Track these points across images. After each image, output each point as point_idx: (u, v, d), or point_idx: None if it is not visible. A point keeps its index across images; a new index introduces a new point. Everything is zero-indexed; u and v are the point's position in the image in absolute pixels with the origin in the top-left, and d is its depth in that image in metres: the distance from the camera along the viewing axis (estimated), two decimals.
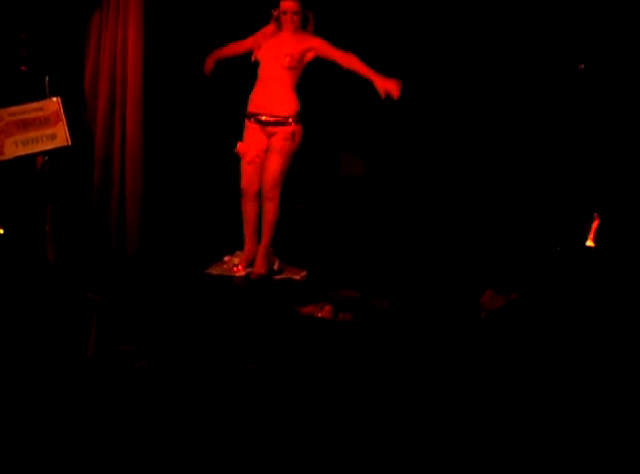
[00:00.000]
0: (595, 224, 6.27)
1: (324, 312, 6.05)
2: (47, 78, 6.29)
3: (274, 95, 6.57)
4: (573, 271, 6.11)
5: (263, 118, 6.62)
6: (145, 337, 5.48)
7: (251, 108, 6.66)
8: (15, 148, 6.05)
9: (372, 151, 7.42)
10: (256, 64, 6.68)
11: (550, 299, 5.79)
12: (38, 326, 5.22)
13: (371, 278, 6.68)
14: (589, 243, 6.27)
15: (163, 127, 7.39)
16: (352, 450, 4.22)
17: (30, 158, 6.24)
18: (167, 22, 7.22)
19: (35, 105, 6.10)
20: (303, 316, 6.04)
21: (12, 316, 5.28)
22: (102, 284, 6.05)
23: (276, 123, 6.60)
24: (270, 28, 6.66)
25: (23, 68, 6.42)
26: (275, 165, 6.63)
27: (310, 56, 6.57)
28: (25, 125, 6.05)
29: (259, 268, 6.76)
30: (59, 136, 6.11)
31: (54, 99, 6.12)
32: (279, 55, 6.53)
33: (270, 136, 6.63)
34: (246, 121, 6.71)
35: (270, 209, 6.68)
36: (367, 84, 6.49)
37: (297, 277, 6.77)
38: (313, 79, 6.73)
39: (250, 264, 6.78)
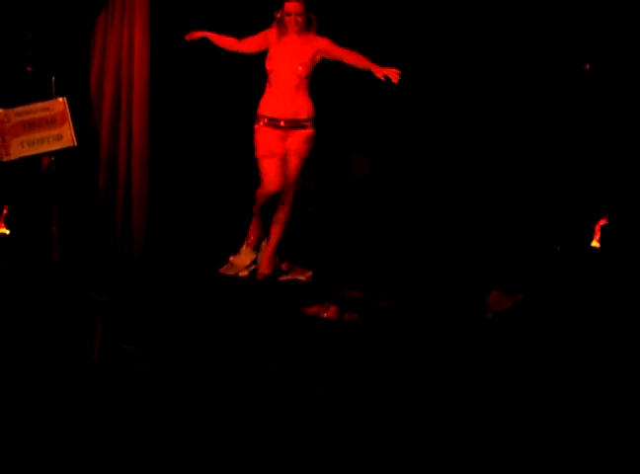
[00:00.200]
0: (600, 225, 6.26)
1: (330, 312, 6.04)
2: (53, 78, 6.30)
3: (290, 100, 6.57)
4: (578, 272, 6.09)
5: (281, 122, 6.60)
6: (150, 337, 5.48)
7: (266, 112, 6.62)
8: (21, 148, 6.06)
9: (378, 151, 7.41)
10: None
11: (556, 300, 5.78)
12: (43, 326, 5.23)
13: (377, 279, 6.67)
14: (594, 244, 6.25)
15: (169, 129, 7.40)
16: (357, 450, 4.21)
17: (36, 158, 6.25)
18: (172, 23, 7.22)
19: (40, 105, 6.11)
20: (309, 316, 6.04)
21: (17, 316, 5.29)
22: (107, 285, 6.06)
23: (293, 127, 6.61)
24: (272, 32, 6.63)
25: (29, 69, 6.43)
26: (294, 168, 6.64)
27: (319, 58, 6.58)
28: (31, 126, 6.07)
29: (265, 269, 6.77)
30: (65, 137, 6.12)
31: (60, 99, 6.13)
32: (292, 63, 6.51)
33: (285, 140, 6.63)
34: (259, 126, 6.65)
35: (283, 211, 6.69)
36: (370, 83, 6.48)
37: (303, 278, 6.77)
38: (317, 80, 6.73)
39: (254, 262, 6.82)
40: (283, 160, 6.63)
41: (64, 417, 4.41)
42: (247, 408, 4.59)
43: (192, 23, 7.31)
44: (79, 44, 6.97)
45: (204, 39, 6.78)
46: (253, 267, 6.87)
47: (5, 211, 6.28)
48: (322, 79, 6.73)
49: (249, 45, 6.69)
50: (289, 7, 6.51)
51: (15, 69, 6.40)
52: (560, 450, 4.24)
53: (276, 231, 6.75)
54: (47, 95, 6.23)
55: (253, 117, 6.91)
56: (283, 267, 6.88)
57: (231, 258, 6.93)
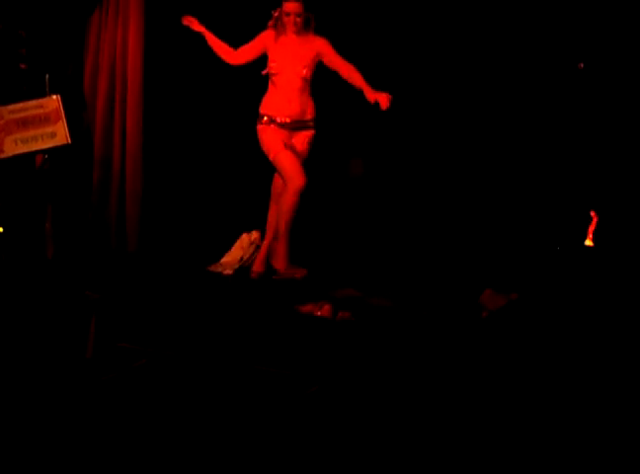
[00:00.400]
0: (594, 223, 6.27)
1: (323, 311, 6.05)
2: (47, 76, 6.29)
3: (295, 101, 6.56)
4: (572, 270, 6.10)
5: (287, 123, 6.58)
6: (144, 335, 5.48)
7: (270, 112, 6.59)
8: (15, 146, 6.05)
9: (373, 151, 7.41)
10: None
11: (551, 299, 5.79)
12: (36, 323, 5.22)
13: (371, 277, 6.68)
14: (588, 242, 6.27)
15: (162, 126, 7.40)
16: (351, 449, 4.22)
17: (29, 156, 6.24)
18: (167, 21, 7.22)
19: (34, 103, 6.10)
20: (303, 315, 6.04)
21: (11, 313, 5.28)
22: (101, 282, 6.06)
23: (298, 128, 6.61)
24: (269, 34, 6.61)
25: (22, 66, 6.42)
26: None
27: (318, 59, 6.58)
28: (24, 123, 6.06)
29: (258, 266, 6.78)
30: (59, 134, 6.11)
31: (54, 97, 6.12)
32: (295, 66, 6.51)
33: (289, 139, 6.61)
34: (263, 126, 6.62)
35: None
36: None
37: (297, 276, 6.77)
38: (316, 80, 6.73)
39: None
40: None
41: (58, 415, 4.41)
42: (241, 406, 4.59)
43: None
44: (73, 42, 6.97)
45: (199, 36, 6.77)
46: (238, 266, 6.89)
47: None
48: (320, 79, 6.73)
49: (245, 56, 6.67)
50: (289, 7, 6.49)
51: (9, 67, 6.39)
52: (557, 449, 4.24)
53: (272, 228, 6.75)
54: (41, 92, 6.22)
55: (247, 114, 6.92)
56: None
57: (222, 259, 6.96)
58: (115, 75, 7.14)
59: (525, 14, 6.85)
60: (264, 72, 6.63)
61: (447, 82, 7.13)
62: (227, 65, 6.79)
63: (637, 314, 5.54)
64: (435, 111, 7.20)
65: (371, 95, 6.44)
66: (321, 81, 6.73)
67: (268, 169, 6.79)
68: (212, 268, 6.90)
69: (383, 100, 6.41)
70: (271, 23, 6.62)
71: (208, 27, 6.77)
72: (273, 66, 6.55)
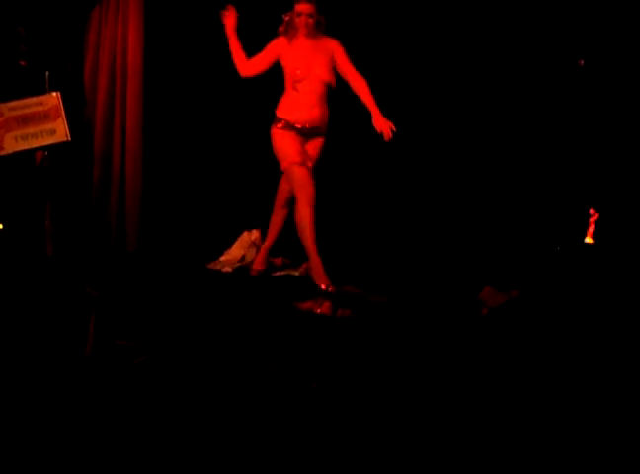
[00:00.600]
0: (593, 221, 6.27)
1: (323, 308, 6.05)
2: (47, 73, 6.28)
3: (316, 107, 6.43)
4: (572, 268, 6.10)
5: (306, 129, 6.46)
6: (144, 332, 5.48)
7: (290, 118, 6.43)
8: (15, 143, 6.04)
9: (373, 150, 7.41)
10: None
11: (551, 296, 5.79)
12: (36, 321, 5.22)
13: (371, 274, 6.68)
14: (588, 240, 6.26)
15: (163, 124, 7.40)
16: (351, 446, 4.21)
17: (29, 153, 6.23)
18: (167, 17, 7.22)
19: (34, 100, 6.08)
20: (302, 312, 6.04)
21: (10, 311, 5.28)
22: (101, 280, 6.06)
23: (315, 134, 6.49)
24: (281, 41, 6.47)
25: (22, 63, 6.41)
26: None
27: (333, 60, 6.47)
28: (24, 120, 6.05)
29: (258, 264, 6.79)
30: (59, 131, 6.10)
31: (54, 94, 6.11)
32: (317, 70, 6.39)
33: (304, 145, 6.48)
34: (279, 130, 6.46)
35: (285, 213, 6.73)
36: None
37: (296, 273, 6.78)
38: None
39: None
40: None
41: (57, 412, 4.41)
42: (240, 403, 4.59)
43: (185, 17, 7.32)
44: (73, 39, 6.96)
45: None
46: (238, 264, 6.89)
47: None
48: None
49: (257, 67, 6.52)
50: (300, 8, 6.36)
51: (8, 64, 6.39)
52: (556, 447, 4.24)
53: (275, 231, 6.74)
54: (41, 89, 6.21)
55: (248, 111, 6.91)
56: (277, 262, 6.90)
57: (222, 257, 6.97)
58: (115, 72, 7.14)
59: (526, 11, 6.84)
60: (290, 80, 6.45)
61: (447, 81, 7.12)
62: (227, 63, 6.78)
63: (637, 311, 5.54)
64: (434, 108, 7.19)
65: (379, 123, 6.29)
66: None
67: (268, 167, 6.78)
68: (212, 265, 6.91)
69: (387, 131, 6.26)
70: (281, 28, 6.49)
71: (209, 22, 6.74)
72: (298, 73, 6.39)
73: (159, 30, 7.21)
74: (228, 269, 6.85)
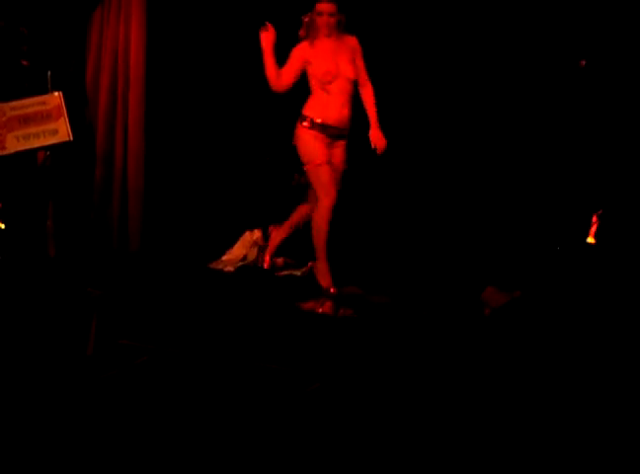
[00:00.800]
0: (595, 221, 6.26)
1: (325, 308, 6.05)
2: (49, 73, 6.29)
3: (346, 107, 6.35)
4: (574, 268, 6.10)
5: (335, 130, 6.36)
6: (146, 332, 5.48)
7: (321, 118, 6.31)
8: (17, 143, 6.05)
9: (373, 150, 7.41)
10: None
11: (553, 296, 5.79)
12: (38, 321, 5.22)
13: (373, 274, 6.68)
14: (590, 240, 6.26)
15: (165, 124, 7.39)
16: (353, 445, 4.21)
17: (31, 153, 6.24)
18: (169, 17, 7.22)
19: (36, 99, 6.09)
20: (304, 312, 6.04)
21: (12, 311, 5.28)
22: (103, 280, 6.06)
23: (341, 136, 6.41)
24: (304, 46, 6.34)
25: (24, 63, 6.42)
26: (339, 178, 6.46)
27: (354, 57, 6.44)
28: (26, 120, 6.05)
29: (268, 258, 6.78)
30: (61, 131, 6.11)
31: (56, 94, 6.12)
32: (343, 69, 6.33)
33: (330, 149, 6.39)
34: (307, 129, 6.34)
35: (304, 215, 6.64)
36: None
37: (299, 273, 6.78)
38: None
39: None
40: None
41: (59, 412, 4.41)
42: (242, 403, 4.59)
43: (187, 17, 7.32)
44: (75, 39, 6.97)
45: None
46: (240, 264, 6.90)
47: (0, 206, 6.28)
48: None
49: (289, 78, 6.35)
50: (321, 7, 6.26)
51: (10, 63, 6.39)
52: (558, 447, 4.24)
53: (285, 231, 6.72)
54: (43, 89, 6.22)
55: (250, 112, 6.91)
56: (280, 262, 6.89)
57: (224, 257, 6.97)
58: (117, 72, 7.13)
59: (527, 11, 6.84)
60: (319, 82, 6.35)
61: (449, 82, 7.12)
62: (229, 62, 6.79)
63: (639, 312, 5.53)
64: (436, 108, 7.19)
65: (375, 137, 6.33)
66: None
67: (269, 167, 6.78)
68: (214, 265, 6.91)
69: (380, 147, 6.32)
70: (302, 32, 6.38)
71: (208, 23, 6.72)
72: (328, 75, 6.30)
73: (161, 30, 7.21)
74: (230, 268, 6.85)
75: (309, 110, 6.37)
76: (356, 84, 6.42)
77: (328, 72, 6.32)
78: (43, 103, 6.09)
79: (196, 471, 3.97)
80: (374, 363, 5.16)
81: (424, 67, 7.14)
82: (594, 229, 6.25)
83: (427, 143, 7.24)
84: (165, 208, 7.41)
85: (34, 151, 6.21)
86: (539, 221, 6.84)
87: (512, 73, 6.93)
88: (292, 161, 6.66)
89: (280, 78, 6.34)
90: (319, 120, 6.33)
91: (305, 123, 6.35)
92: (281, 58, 6.37)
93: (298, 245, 6.81)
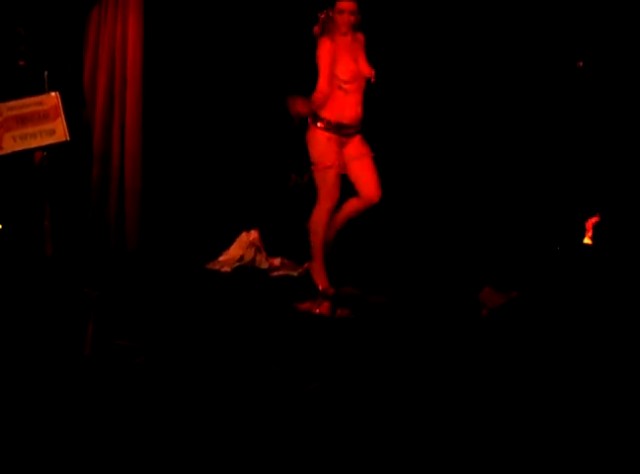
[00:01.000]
0: (592, 222, 6.27)
1: (322, 308, 6.05)
2: (46, 73, 6.28)
3: (359, 104, 6.25)
4: (571, 268, 6.10)
5: (351, 129, 6.26)
6: (143, 332, 5.48)
7: (336, 118, 6.19)
8: (13, 143, 6.03)
9: (373, 149, 7.41)
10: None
11: (550, 297, 5.79)
12: (35, 321, 5.22)
13: (370, 275, 6.68)
14: (587, 241, 6.26)
15: (162, 123, 7.39)
16: (351, 446, 4.21)
17: (28, 153, 6.23)
18: (166, 17, 7.21)
19: (33, 99, 6.07)
20: (301, 312, 6.04)
21: (9, 311, 5.28)
22: (100, 280, 6.06)
23: (356, 133, 6.31)
24: (327, 43, 6.17)
25: (21, 63, 6.41)
26: (373, 167, 6.35)
27: None
28: (23, 120, 6.04)
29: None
30: (58, 131, 6.09)
31: (53, 94, 6.10)
32: (360, 67, 6.23)
33: (342, 147, 6.27)
34: (323, 131, 6.21)
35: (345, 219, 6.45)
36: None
37: (295, 274, 6.78)
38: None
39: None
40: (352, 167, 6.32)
41: (56, 412, 4.41)
42: (240, 404, 4.59)
43: (185, 17, 7.32)
44: (72, 39, 6.95)
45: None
46: (237, 264, 6.90)
47: None
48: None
49: (330, 80, 6.19)
50: (343, 5, 6.14)
51: (7, 63, 6.38)
52: (556, 447, 4.24)
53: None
54: (40, 89, 6.21)
55: (248, 111, 6.90)
56: (276, 262, 6.89)
57: (220, 257, 6.97)
58: (114, 72, 7.13)
59: (524, 12, 6.84)
60: (338, 81, 6.21)
61: (447, 83, 7.12)
62: (227, 62, 6.79)
63: (636, 312, 5.54)
64: (434, 109, 7.19)
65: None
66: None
67: (267, 167, 6.78)
68: (211, 265, 6.91)
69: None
70: (317, 29, 6.25)
71: (205, 22, 6.70)
72: (349, 73, 6.20)
73: (158, 29, 7.20)
74: (227, 269, 6.86)
75: (324, 110, 6.22)
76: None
77: (351, 71, 6.21)
78: (41, 103, 6.07)
79: (195, 471, 3.97)
80: (372, 364, 5.16)
81: (423, 68, 7.15)
82: (590, 230, 6.26)
83: (425, 144, 7.24)
84: (162, 208, 7.41)
85: (31, 151, 6.20)
86: (536, 222, 6.84)
87: (509, 75, 6.94)
88: (290, 162, 6.66)
89: (326, 83, 6.19)
90: (335, 121, 6.21)
91: (320, 124, 6.22)
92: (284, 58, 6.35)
93: (295, 245, 6.81)
